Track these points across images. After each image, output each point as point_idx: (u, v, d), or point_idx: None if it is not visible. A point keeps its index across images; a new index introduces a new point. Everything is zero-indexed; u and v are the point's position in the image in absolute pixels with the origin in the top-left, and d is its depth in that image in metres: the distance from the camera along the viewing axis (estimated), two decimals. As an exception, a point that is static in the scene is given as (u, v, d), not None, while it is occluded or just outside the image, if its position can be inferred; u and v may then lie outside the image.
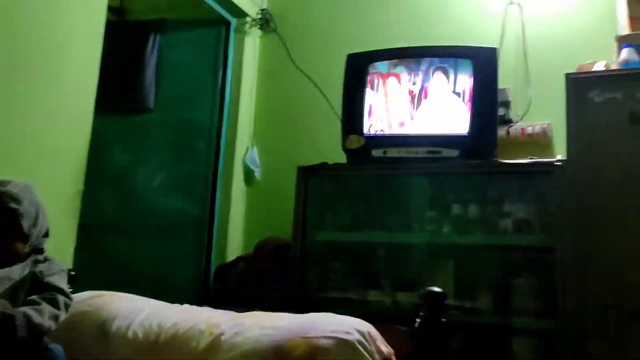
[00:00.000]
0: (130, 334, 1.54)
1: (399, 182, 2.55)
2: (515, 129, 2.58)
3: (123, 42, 3.00)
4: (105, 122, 2.43)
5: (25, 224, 1.36)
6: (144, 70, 3.04)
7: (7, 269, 1.33)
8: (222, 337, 1.47)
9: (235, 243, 3.00)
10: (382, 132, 2.48)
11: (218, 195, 3.00)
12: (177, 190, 2.97)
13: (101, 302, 1.69)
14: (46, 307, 1.27)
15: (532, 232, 2.23)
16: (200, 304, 1.95)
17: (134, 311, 1.64)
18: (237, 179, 3.04)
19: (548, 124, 2.53)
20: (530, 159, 2.26)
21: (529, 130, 2.56)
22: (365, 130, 2.45)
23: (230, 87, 3.09)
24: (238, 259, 2.80)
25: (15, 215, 1.35)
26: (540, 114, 2.57)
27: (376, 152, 2.41)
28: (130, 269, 2.76)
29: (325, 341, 1.40)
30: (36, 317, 1.23)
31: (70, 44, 2.08)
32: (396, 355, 1.51)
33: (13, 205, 1.35)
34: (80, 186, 2.07)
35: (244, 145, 3.08)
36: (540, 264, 2.20)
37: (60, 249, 1.83)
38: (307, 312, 1.66)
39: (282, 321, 1.53)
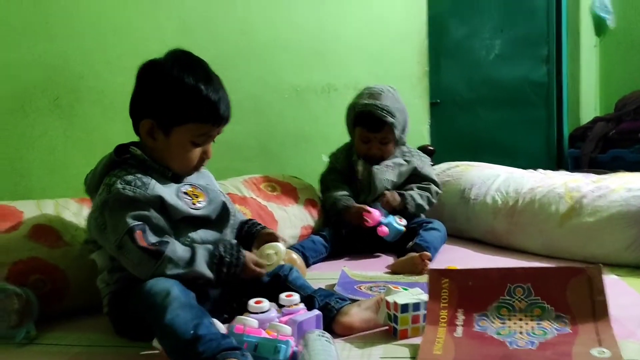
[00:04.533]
0: (489, 199, 1.63)
1: None
2: None
3: None
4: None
5: (397, 132, 1.59)
6: None
7: (389, 161, 1.63)
8: (584, 201, 1.41)
9: (589, 104, 2.75)
10: None
11: (564, 53, 2.74)
12: (517, 56, 2.85)
13: (458, 172, 1.82)
14: (425, 195, 1.64)
15: None
16: (555, 169, 1.90)
17: (489, 178, 1.71)
18: (585, 32, 2.73)
19: None
20: None
21: None
22: None
23: None
24: (595, 120, 2.58)
25: (391, 128, 1.57)
26: None
27: None
28: (480, 139, 2.85)
29: None
30: (418, 199, 1.62)
31: None
32: None
33: (389, 119, 1.56)
34: (425, 67, 2.19)
35: (589, -8, 2.71)
36: None
37: (417, 127, 2.01)
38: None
39: (655, 182, 1.37)
